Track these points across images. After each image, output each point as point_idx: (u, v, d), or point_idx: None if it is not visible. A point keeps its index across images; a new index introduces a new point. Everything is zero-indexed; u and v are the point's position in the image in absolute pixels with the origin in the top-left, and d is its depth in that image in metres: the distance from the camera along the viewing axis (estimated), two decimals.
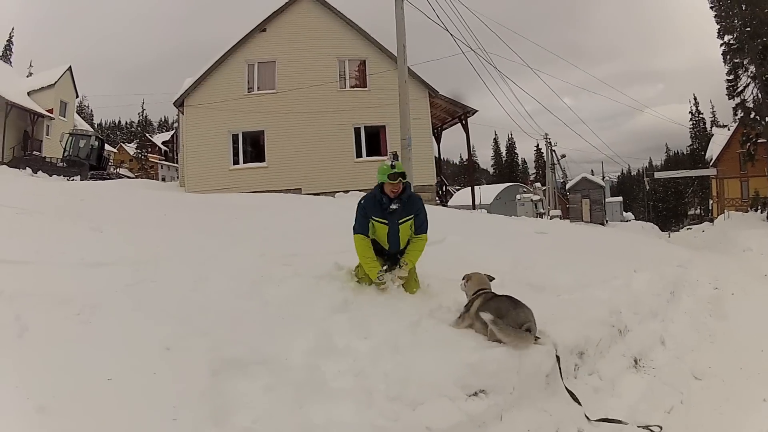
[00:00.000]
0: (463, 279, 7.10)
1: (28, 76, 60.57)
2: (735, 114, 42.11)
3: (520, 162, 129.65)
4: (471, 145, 37.75)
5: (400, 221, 7.45)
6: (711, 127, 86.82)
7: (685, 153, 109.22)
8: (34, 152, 45.98)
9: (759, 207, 44.05)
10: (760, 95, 38.09)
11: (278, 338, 5.42)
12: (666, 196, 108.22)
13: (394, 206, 7.36)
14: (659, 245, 23.69)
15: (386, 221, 7.44)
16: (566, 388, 5.68)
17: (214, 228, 12.22)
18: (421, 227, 7.61)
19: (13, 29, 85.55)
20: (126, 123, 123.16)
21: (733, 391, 6.35)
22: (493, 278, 7.10)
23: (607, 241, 20.76)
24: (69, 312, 5.23)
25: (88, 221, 10.23)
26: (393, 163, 7.25)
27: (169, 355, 4.70)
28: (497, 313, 6.06)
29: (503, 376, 5.25)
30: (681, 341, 7.96)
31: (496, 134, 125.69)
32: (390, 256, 7.68)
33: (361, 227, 7.45)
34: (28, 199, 13.29)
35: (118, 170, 68.46)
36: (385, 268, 7.49)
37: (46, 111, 48.91)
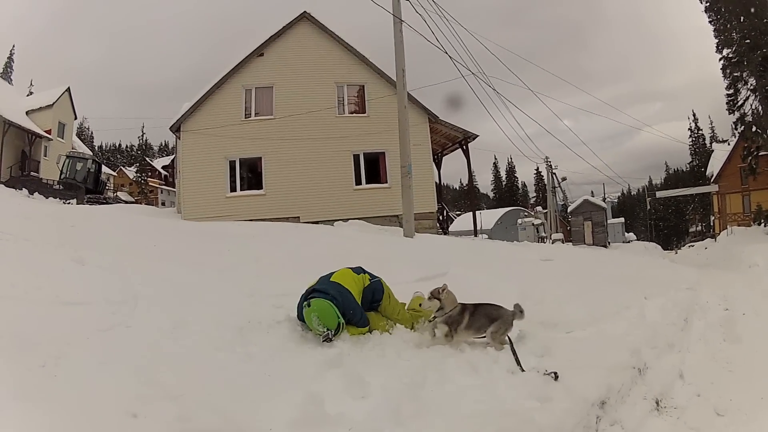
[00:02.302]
0: (437, 293, 7.23)
1: (28, 95, 60.72)
2: (735, 128, 42.21)
3: (520, 186, 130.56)
4: (471, 171, 37.34)
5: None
6: (711, 143, 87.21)
7: (685, 170, 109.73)
8: (32, 173, 46.18)
9: (762, 221, 43.66)
10: (760, 108, 37.92)
11: (260, 404, 4.83)
12: (667, 214, 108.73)
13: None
14: (665, 267, 23.33)
15: None
16: None
17: (203, 261, 11.81)
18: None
19: (13, 47, 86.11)
20: (126, 146, 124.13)
21: (758, 426, 5.87)
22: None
23: (613, 266, 20.36)
24: (34, 361, 4.73)
25: (72, 251, 9.75)
26: (329, 333, 6.75)
27: (134, 424, 4.14)
28: (490, 318, 7.05)
29: None
30: (700, 373, 7.43)
31: (495, 158, 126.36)
32: None
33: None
34: (16, 223, 12.86)
35: (116, 194, 68.41)
36: None
37: (44, 131, 48.99)
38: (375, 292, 7.61)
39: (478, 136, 34.16)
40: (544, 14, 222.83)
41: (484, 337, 7.01)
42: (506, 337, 6.92)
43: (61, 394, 4.35)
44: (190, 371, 5.23)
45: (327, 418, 4.68)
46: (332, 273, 7.51)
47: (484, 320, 6.98)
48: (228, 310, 7.26)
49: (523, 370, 5.98)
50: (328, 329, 6.63)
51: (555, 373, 5.81)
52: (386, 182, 29.69)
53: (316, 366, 5.79)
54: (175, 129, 29.79)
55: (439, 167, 38.12)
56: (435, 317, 7.13)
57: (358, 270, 7.78)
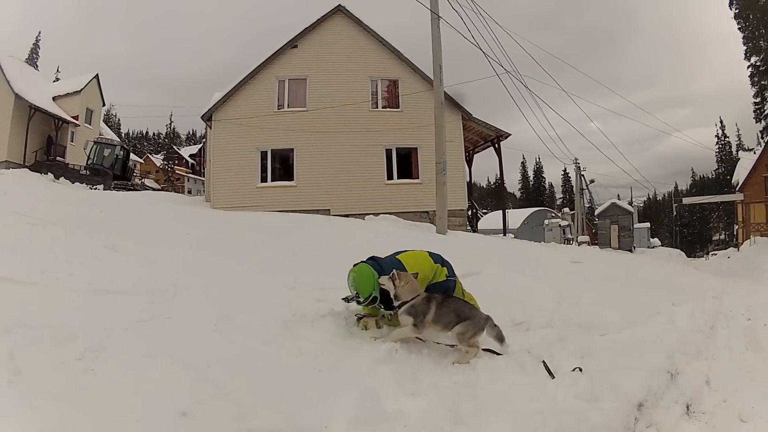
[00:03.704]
0: (395, 278, 6.57)
1: (54, 81, 62.02)
2: (762, 137, 41.63)
3: (547, 186, 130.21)
4: (503, 170, 37.15)
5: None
6: (737, 151, 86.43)
7: (711, 177, 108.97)
8: (58, 158, 46.62)
9: None
10: None
11: (317, 400, 4.69)
12: (691, 221, 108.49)
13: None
14: (691, 274, 23.22)
15: None
16: None
17: (239, 252, 11.77)
18: None
19: (39, 33, 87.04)
20: (153, 134, 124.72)
21: None
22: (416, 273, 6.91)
23: (641, 271, 20.32)
24: (70, 354, 4.57)
25: (103, 237, 9.77)
26: (358, 298, 6.74)
27: (185, 424, 3.96)
28: (459, 315, 6.42)
29: None
30: (725, 380, 7.31)
31: (524, 158, 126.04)
32: None
33: None
34: (44, 208, 12.88)
35: (143, 181, 68.76)
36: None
37: (71, 117, 49.42)
38: (447, 291, 7.16)
39: (510, 135, 33.95)
40: (576, 21, 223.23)
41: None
42: (476, 342, 6.42)
43: (101, 390, 4.20)
44: (241, 366, 5.11)
45: (385, 416, 4.59)
46: (406, 251, 7.42)
47: (452, 316, 6.44)
48: (271, 303, 7.16)
49: (553, 377, 5.94)
50: (357, 294, 6.59)
51: (579, 368, 6.03)
52: (418, 178, 29.57)
53: (367, 362, 5.70)
54: (207, 118, 29.82)
55: (470, 165, 37.95)
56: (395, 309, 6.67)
57: (438, 258, 7.48)
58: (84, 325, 5.23)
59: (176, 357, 4.96)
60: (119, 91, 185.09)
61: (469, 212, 35.31)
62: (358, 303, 6.70)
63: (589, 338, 7.55)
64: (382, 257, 7.13)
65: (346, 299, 6.72)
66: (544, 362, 6.19)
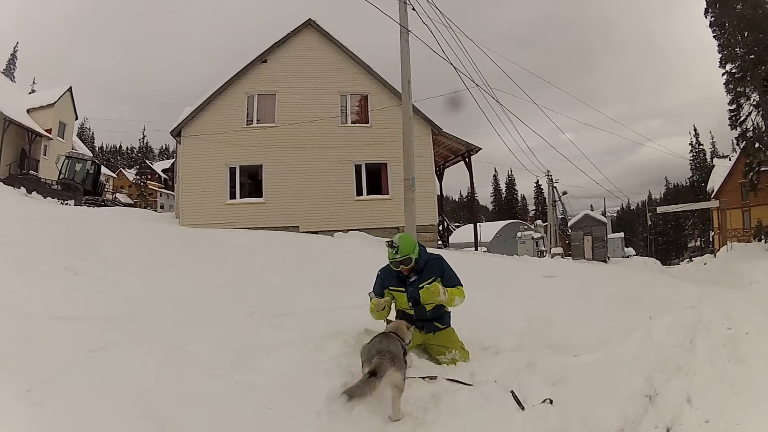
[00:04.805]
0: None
1: (30, 93, 60.90)
2: (737, 143, 42.43)
3: (519, 198, 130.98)
4: (474, 184, 37.12)
5: (420, 286, 7.02)
6: (711, 158, 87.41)
7: (685, 185, 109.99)
8: (31, 171, 45.95)
9: (762, 237, 43.64)
10: (762, 123, 37.95)
11: None
12: (666, 229, 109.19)
13: (412, 278, 7.12)
14: (667, 285, 22.99)
15: (403, 289, 7.19)
16: None
17: (202, 274, 11.56)
18: (450, 283, 7.13)
19: (17, 44, 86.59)
20: (127, 148, 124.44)
21: None
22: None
23: (615, 283, 20.30)
24: (19, 384, 4.36)
25: (66, 258, 9.55)
26: (396, 250, 6.96)
27: None
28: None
29: None
30: (707, 397, 7.10)
31: (496, 171, 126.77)
32: (422, 323, 7.22)
33: (376, 291, 7.29)
34: (12, 225, 12.73)
35: (115, 196, 68.27)
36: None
37: (45, 131, 48.93)
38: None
39: (481, 149, 33.92)
40: (558, 38, 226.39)
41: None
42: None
43: (49, 426, 4.03)
44: (187, 402, 4.90)
45: None
46: None
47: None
48: (226, 330, 6.93)
49: (522, 409, 5.65)
50: (397, 249, 6.91)
51: (550, 400, 5.67)
52: (388, 194, 29.46)
53: (321, 398, 5.41)
54: (176, 134, 29.59)
55: (441, 179, 37.98)
56: None
57: None
58: (36, 353, 5.06)
59: (123, 391, 4.75)
60: (94, 104, 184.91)
61: (440, 227, 35.26)
62: (392, 243, 7.02)
63: (561, 361, 7.36)
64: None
65: (390, 243, 7.02)
66: (512, 392, 5.93)
